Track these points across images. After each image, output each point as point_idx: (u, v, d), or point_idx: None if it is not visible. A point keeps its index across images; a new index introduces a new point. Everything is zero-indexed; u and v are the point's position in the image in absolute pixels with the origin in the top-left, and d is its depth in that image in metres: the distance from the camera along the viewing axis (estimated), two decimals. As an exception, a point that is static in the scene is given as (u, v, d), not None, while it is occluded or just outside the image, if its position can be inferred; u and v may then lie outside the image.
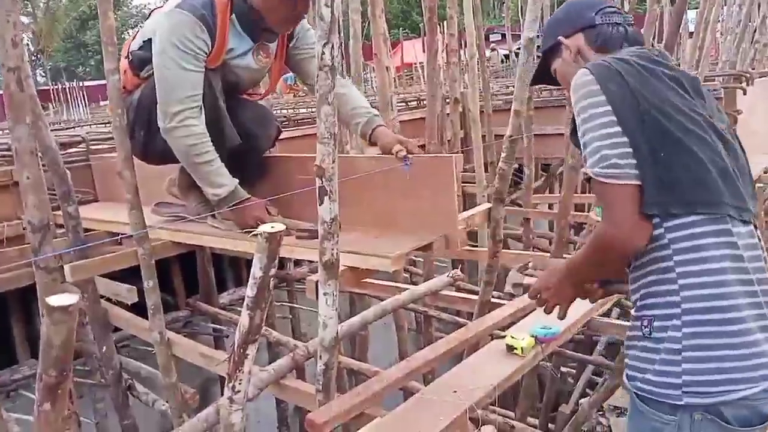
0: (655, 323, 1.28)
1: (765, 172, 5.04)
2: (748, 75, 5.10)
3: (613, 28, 1.45)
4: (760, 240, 1.30)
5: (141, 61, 2.36)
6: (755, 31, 7.13)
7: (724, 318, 1.21)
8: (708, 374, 1.21)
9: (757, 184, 4.38)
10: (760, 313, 1.24)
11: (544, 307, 1.54)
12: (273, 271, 1.31)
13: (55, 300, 0.95)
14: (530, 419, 3.16)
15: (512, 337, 2.04)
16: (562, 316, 1.55)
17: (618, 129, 1.24)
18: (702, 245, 1.23)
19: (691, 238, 1.23)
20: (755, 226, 1.30)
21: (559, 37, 1.52)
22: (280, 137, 2.87)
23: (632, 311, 1.38)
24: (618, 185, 1.23)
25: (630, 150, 1.24)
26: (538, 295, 1.53)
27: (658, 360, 1.26)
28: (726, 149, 1.30)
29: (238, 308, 3.80)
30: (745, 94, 4.87)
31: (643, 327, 1.31)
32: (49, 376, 1.03)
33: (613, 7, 1.50)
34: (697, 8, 6.53)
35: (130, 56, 2.42)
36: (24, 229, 3.03)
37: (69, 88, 16.45)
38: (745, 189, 1.30)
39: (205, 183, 2.30)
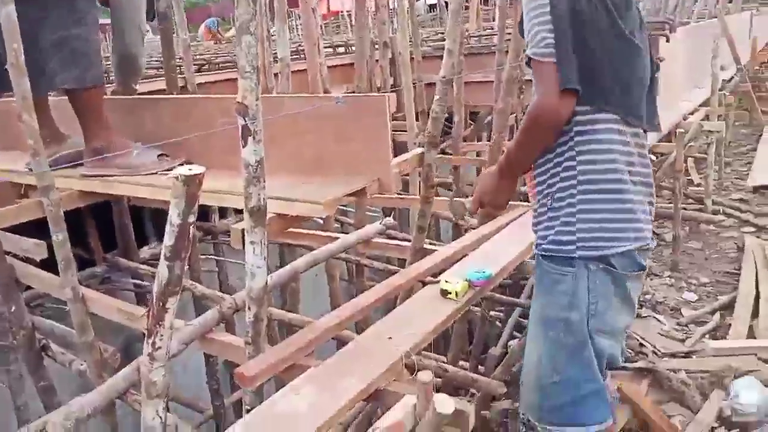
0: (556, 195, 1.59)
1: (684, 119, 5.21)
2: (671, 22, 5.18)
3: None
4: (644, 139, 1.65)
5: None
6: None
7: (611, 189, 1.55)
8: (596, 232, 1.55)
9: (678, 130, 4.51)
10: (636, 189, 1.59)
11: (489, 211, 1.84)
12: (192, 218, 1.20)
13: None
14: (461, 363, 3.20)
15: (446, 282, 2.01)
16: (501, 209, 1.87)
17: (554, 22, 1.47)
18: (600, 138, 1.54)
19: (592, 132, 1.54)
20: (644, 130, 1.64)
21: None
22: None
23: (538, 195, 1.66)
24: (549, 62, 1.46)
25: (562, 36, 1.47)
26: (482, 200, 1.77)
27: (558, 224, 1.59)
28: (635, 61, 1.58)
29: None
30: (668, 41, 4.96)
31: (547, 202, 1.62)
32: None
33: None
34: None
35: None
36: None
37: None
38: (638, 96, 1.61)
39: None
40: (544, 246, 1.63)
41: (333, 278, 4.06)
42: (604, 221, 1.55)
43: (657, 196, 5.02)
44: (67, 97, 2.51)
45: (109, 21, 2.82)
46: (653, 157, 3.41)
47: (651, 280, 3.90)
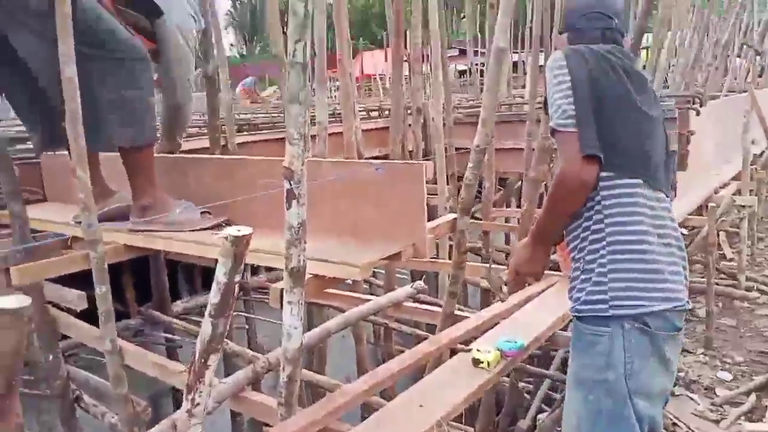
0: (587, 258, 1.63)
1: (716, 193, 5.20)
2: (701, 97, 5.25)
3: (590, 31, 1.75)
4: (668, 203, 1.69)
5: None
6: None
7: (638, 250, 1.58)
8: (628, 291, 1.57)
9: (709, 204, 4.50)
10: (666, 251, 1.62)
11: (526, 281, 1.84)
12: (238, 277, 1.25)
13: (5, 302, 0.86)
14: (489, 433, 3.14)
15: (478, 351, 2.01)
16: (538, 279, 1.88)
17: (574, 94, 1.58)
18: (626, 202, 1.60)
19: (618, 195, 1.60)
20: (665, 194, 1.68)
21: (555, 33, 1.86)
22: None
23: (572, 261, 1.71)
24: (571, 132, 1.56)
25: (582, 107, 1.57)
26: (518, 272, 1.81)
27: (590, 284, 1.61)
28: (652, 132, 1.67)
29: (193, 317, 3.70)
30: (698, 115, 5.01)
31: (579, 266, 1.66)
32: (-5, 386, 0.94)
33: (598, 12, 1.77)
34: (650, 32, 6.71)
35: None
36: (-34, 228, 2.88)
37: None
38: (659, 163, 1.67)
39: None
40: (577, 307, 1.66)
41: (360, 340, 4.06)
42: (634, 280, 1.58)
43: (689, 270, 4.98)
44: (115, 154, 2.63)
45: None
46: (684, 231, 3.40)
47: (684, 357, 3.81)
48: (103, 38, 2.38)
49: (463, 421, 3.07)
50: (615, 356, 1.58)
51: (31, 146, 3.00)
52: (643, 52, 7.88)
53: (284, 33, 3.62)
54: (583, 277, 1.65)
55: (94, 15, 2.38)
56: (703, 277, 4.49)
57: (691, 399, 3.32)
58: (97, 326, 2.31)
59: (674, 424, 3.01)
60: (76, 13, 2.16)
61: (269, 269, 3.72)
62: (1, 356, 0.91)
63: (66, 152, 2.34)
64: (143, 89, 2.50)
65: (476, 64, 11.66)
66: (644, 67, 6.98)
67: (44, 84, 2.40)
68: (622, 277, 1.58)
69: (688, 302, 1.66)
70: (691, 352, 3.91)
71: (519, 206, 5.37)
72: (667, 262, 1.61)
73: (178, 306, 3.74)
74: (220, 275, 1.22)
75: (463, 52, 14.90)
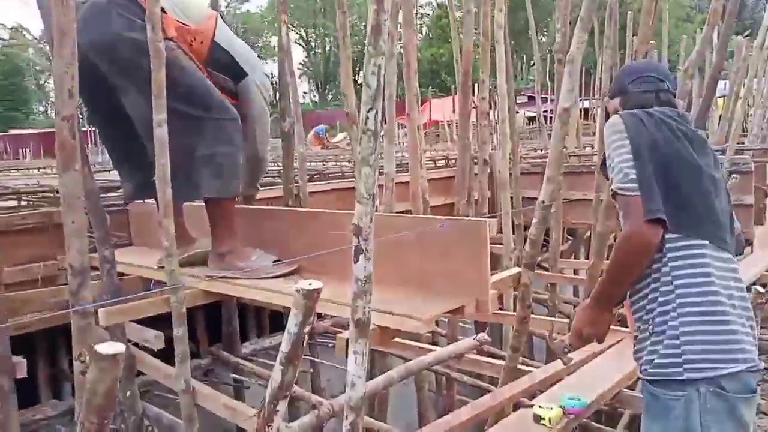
0: (657, 320, 1.62)
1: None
2: (780, 150, 5.08)
3: (643, 94, 1.80)
4: (734, 264, 1.69)
5: None
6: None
7: (711, 311, 1.57)
8: (703, 354, 1.55)
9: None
10: (736, 312, 1.60)
11: (588, 340, 1.80)
12: (308, 328, 1.33)
13: (104, 348, 0.97)
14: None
15: (540, 407, 2.01)
16: (601, 341, 1.85)
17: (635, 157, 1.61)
18: (695, 263, 1.60)
19: (686, 257, 1.60)
20: (730, 253, 1.68)
21: (605, 98, 1.91)
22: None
23: (637, 321, 1.71)
24: (633, 195, 1.58)
25: (644, 170, 1.59)
26: (581, 334, 1.79)
27: (662, 347, 1.59)
28: (716, 193, 1.69)
29: (260, 359, 3.82)
30: (776, 168, 4.85)
31: (648, 328, 1.65)
32: (91, 422, 1.05)
33: (649, 75, 1.82)
34: (726, 79, 6.58)
35: None
36: (60, 269, 3.10)
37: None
38: (724, 224, 1.68)
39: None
40: (650, 371, 1.63)
41: (421, 389, 4.06)
42: (709, 342, 1.56)
43: (766, 328, 4.75)
44: (199, 204, 2.81)
45: None
46: (761, 288, 3.29)
47: (760, 419, 3.63)
48: (201, 98, 2.60)
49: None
50: (692, 421, 1.56)
51: (120, 194, 3.23)
52: (719, 101, 7.71)
53: (356, 85, 3.80)
54: (653, 339, 1.64)
55: (192, 77, 2.60)
56: (782, 337, 4.28)
57: (769, 466, 3.15)
58: (171, 365, 2.44)
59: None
60: (174, 69, 2.37)
61: (334, 316, 3.80)
62: (98, 396, 1.02)
63: (152, 201, 2.52)
64: (234, 146, 2.69)
65: (545, 112, 11.65)
66: (720, 117, 6.83)
67: (142, 133, 2.61)
68: (696, 339, 1.56)
69: (760, 361, 1.63)
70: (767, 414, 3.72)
71: (587, 257, 5.30)
72: (738, 323, 1.60)
73: (247, 347, 3.87)
74: (291, 326, 1.31)
75: (532, 99, 14.94)
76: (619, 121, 1.68)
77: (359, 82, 1.63)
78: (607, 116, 1.89)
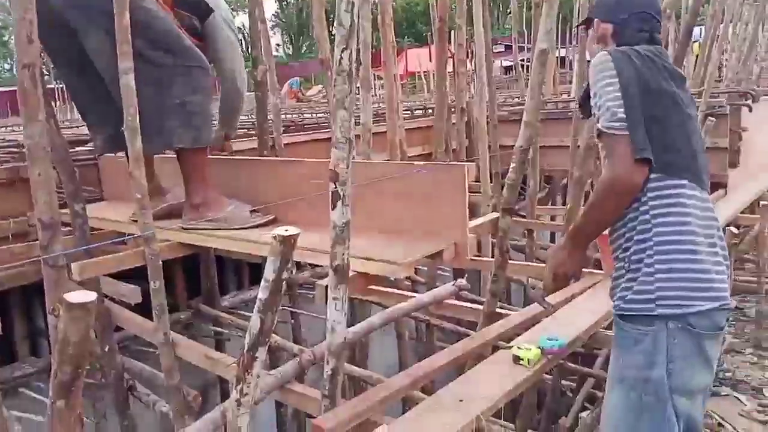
0: (633, 257, 1.63)
1: (768, 190, 5.05)
2: (754, 93, 5.11)
3: (638, 33, 1.76)
4: (711, 203, 1.70)
5: None
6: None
7: (686, 250, 1.59)
8: (676, 290, 1.57)
9: (761, 201, 4.38)
10: (712, 251, 1.62)
11: (564, 280, 1.82)
12: (285, 275, 1.31)
13: (74, 297, 0.95)
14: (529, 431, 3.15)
15: (519, 348, 2.03)
16: (578, 278, 1.87)
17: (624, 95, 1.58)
18: (673, 202, 1.60)
19: (666, 196, 1.60)
20: (707, 192, 1.70)
21: (595, 18, 1.86)
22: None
23: (615, 261, 1.72)
24: (621, 135, 1.56)
25: (632, 109, 1.57)
26: (557, 275, 1.80)
27: (636, 284, 1.61)
28: (696, 130, 1.70)
29: (240, 311, 3.82)
30: (750, 111, 4.88)
31: (624, 266, 1.66)
32: (64, 373, 1.02)
33: (649, 13, 1.77)
34: (703, 25, 6.55)
35: None
36: (30, 226, 3.04)
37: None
38: (702, 164, 1.69)
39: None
40: (622, 306, 1.66)
41: (402, 336, 4.11)
42: (682, 280, 1.58)
43: (740, 269, 4.85)
44: (170, 155, 2.75)
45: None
46: (735, 229, 3.33)
47: (732, 357, 3.74)
48: (169, 44, 2.50)
49: (505, 417, 3.09)
50: (658, 355, 1.59)
51: (90, 148, 3.15)
52: (695, 46, 7.69)
53: (330, 34, 3.71)
54: (628, 276, 1.65)
55: (159, 20, 2.50)
56: (753, 276, 4.39)
57: (739, 400, 3.26)
58: (150, 319, 2.43)
59: (720, 424, 2.97)
60: (139, 13, 2.28)
61: (312, 265, 3.80)
62: (72, 345, 1.00)
63: (123, 154, 2.46)
64: (205, 95, 2.61)
65: (522, 61, 11.56)
66: (696, 61, 6.82)
67: (109, 82, 2.52)
68: (670, 276, 1.58)
69: (730, 300, 1.65)
70: (739, 352, 3.83)
71: (564, 204, 5.33)
72: (712, 262, 1.61)
73: (226, 300, 3.87)
74: (268, 273, 1.28)
75: (509, 48, 14.81)
76: (608, 58, 1.65)
77: (333, 32, 1.57)
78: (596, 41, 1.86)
